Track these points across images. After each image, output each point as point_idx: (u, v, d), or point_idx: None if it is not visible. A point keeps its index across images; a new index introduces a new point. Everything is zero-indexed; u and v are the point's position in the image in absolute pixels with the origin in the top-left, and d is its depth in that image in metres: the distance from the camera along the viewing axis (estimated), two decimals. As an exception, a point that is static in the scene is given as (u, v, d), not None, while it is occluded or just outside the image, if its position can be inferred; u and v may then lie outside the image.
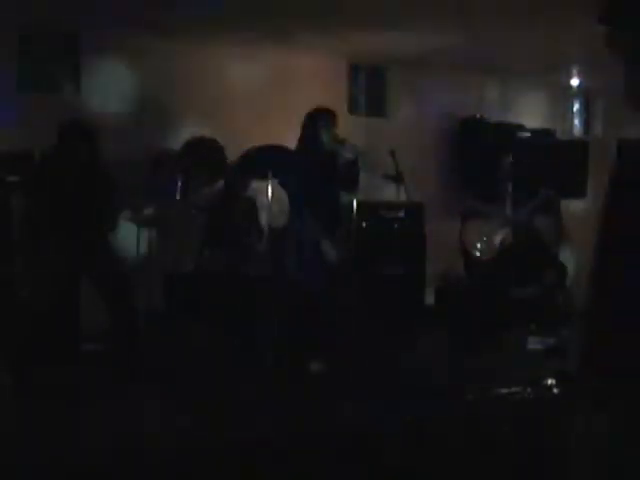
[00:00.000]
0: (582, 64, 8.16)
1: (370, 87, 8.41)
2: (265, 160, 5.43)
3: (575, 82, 8.90)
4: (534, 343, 4.90)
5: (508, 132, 8.27)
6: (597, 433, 1.50)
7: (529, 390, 3.55)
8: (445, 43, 7.25)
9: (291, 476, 3.39)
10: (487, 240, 6.33)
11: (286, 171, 5.45)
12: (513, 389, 3.50)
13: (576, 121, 9.87)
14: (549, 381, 3.68)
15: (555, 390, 3.62)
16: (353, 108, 8.12)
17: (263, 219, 6.04)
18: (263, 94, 7.52)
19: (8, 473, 3.51)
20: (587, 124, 10.02)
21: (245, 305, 5.86)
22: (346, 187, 5.59)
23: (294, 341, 5.52)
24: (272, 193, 5.41)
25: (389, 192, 6.88)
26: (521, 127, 8.51)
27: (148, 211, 5.86)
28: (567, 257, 8.26)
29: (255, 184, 6.32)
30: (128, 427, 4.15)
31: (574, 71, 8.55)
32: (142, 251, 6.32)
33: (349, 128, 6.46)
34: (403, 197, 6.53)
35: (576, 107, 9.85)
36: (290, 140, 5.93)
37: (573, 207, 8.33)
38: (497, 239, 6.29)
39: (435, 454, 3.44)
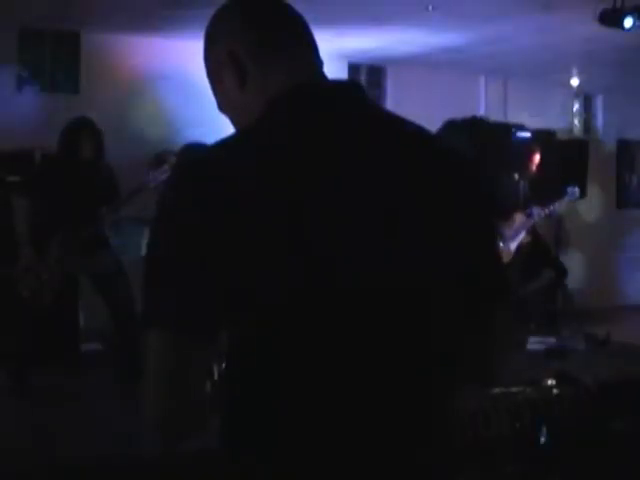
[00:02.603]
0: (582, 64, 8.17)
1: (370, 87, 8.42)
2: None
3: (575, 82, 8.91)
4: (534, 343, 4.89)
5: (508, 132, 8.28)
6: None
7: (529, 390, 3.54)
8: (445, 43, 7.26)
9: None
10: (503, 245, 6.28)
11: None
12: (513, 389, 3.50)
13: (576, 121, 9.89)
14: (549, 381, 3.68)
15: (555, 390, 3.62)
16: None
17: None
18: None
19: (7, 474, 3.50)
20: (587, 124, 10.03)
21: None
22: None
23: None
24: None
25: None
26: (521, 127, 8.52)
27: (148, 211, 5.86)
28: (567, 257, 8.26)
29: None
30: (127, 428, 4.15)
31: (574, 71, 8.56)
32: (142, 250, 6.32)
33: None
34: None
35: (576, 107, 9.86)
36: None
37: (573, 207, 8.34)
38: (513, 245, 6.26)
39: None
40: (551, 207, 6.42)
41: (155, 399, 1.18)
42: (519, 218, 6.29)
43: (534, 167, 6.41)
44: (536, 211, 6.27)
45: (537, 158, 6.39)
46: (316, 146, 1.20)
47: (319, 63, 1.33)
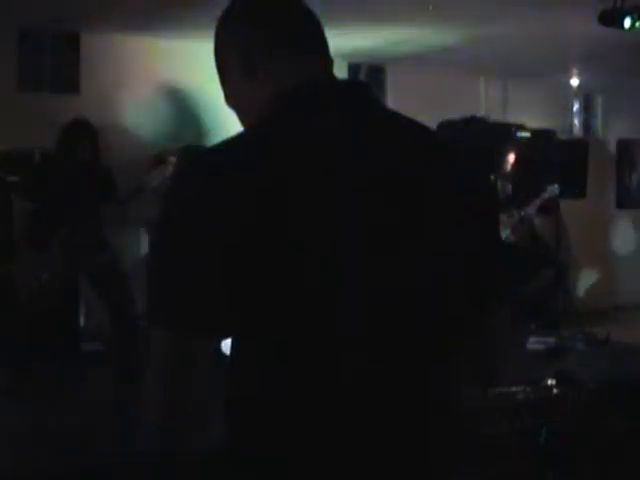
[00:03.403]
0: (582, 64, 8.17)
1: (370, 87, 8.41)
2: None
3: (575, 82, 8.91)
4: (534, 343, 4.89)
5: (508, 132, 8.27)
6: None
7: (529, 390, 3.54)
8: (445, 43, 7.26)
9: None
10: None
11: None
12: (513, 389, 3.50)
13: (576, 121, 9.89)
14: (549, 381, 3.68)
15: (555, 390, 3.62)
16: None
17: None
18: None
19: (7, 475, 3.50)
20: (587, 124, 10.03)
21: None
22: None
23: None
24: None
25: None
26: (521, 127, 8.52)
27: (147, 211, 5.86)
28: (567, 257, 8.26)
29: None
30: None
31: (574, 71, 8.56)
32: (142, 250, 6.32)
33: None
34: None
35: (576, 107, 9.86)
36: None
37: (573, 207, 8.33)
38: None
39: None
40: (527, 208, 6.42)
41: (156, 398, 1.18)
42: (501, 219, 6.29)
43: (509, 167, 6.42)
44: (516, 212, 6.27)
45: (512, 157, 6.39)
46: (321, 145, 1.19)
47: (329, 61, 1.33)
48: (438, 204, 1.23)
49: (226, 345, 1.21)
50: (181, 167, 1.22)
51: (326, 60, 1.33)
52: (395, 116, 1.32)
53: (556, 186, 6.52)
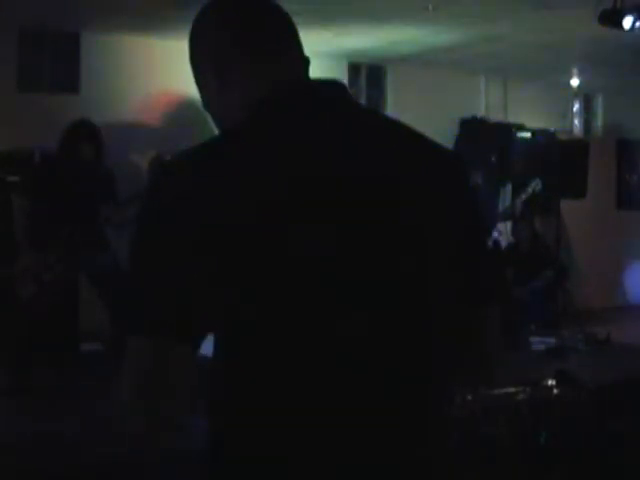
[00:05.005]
0: (582, 64, 8.17)
1: (370, 87, 8.42)
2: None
3: (575, 82, 8.91)
4: (534, 343, 4.89)
5: (508, 132, 8.28)
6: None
7: (529, 390, 3.54)
8: (445, 43, 7.26)
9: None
10: None
11: None
12: (513, 389, 3.50)
13: (576, 121, 9.88)
14: (549, 381, 3.68)
15: (555, 390, 3.62)
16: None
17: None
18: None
19: (7, 475, 3.51)
20: (587, 124, 10.03)
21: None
22: None
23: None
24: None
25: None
26: (521, 127, 8.52)
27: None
28: (567, 257, 8.26)
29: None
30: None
31: (574, 71, 8.56)
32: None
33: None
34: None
35: (576, 107, 9.86)
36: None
37: (573, 207, 8.33)
38: (489, 240, 6.28)
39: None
40: (512, 204, 6.44)
41: (139, 402, 1.15)
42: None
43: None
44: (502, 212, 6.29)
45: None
46: (301, 147, 1.18)
47: (303, 61, 1.32)
48: (426, 207, 1.22)
49: (206, 347, 1.19)
50: (162, 169, 1.20)
51: (301, 60, 1.31)
52: (376, 116, 1.31)
53: (538, 180, 6.52)
